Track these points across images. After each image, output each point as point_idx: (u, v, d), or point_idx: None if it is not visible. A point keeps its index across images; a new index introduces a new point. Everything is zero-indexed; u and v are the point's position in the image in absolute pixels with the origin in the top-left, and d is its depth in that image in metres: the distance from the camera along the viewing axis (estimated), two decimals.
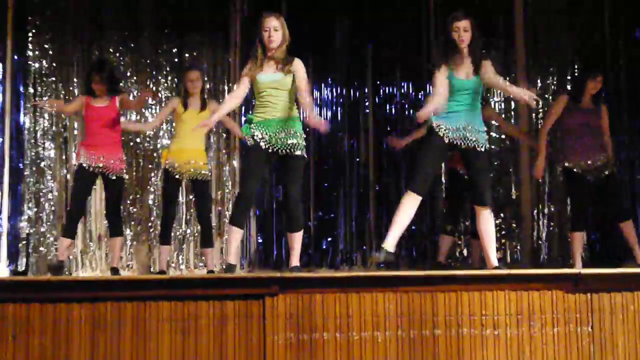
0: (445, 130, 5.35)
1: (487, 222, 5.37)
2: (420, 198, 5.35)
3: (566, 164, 6.54)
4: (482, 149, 5.37)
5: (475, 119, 5.41)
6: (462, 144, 5.36)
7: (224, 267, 5.51)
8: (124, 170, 6.57)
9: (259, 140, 5.36)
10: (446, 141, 5.36)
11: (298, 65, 5.43)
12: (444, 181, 7.79)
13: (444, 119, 5.37)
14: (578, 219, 6.68)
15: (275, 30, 5.41)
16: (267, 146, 5.37)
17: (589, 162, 6.49)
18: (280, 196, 7.66)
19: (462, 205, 7.28)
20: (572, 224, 6.81)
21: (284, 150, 5.38)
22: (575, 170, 6.51)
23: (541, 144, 6.74)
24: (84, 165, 6.38)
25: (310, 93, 5.65)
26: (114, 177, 6.45)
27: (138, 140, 7.85)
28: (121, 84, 7.22)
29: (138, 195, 7.82)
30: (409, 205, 5.35)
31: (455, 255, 7.94)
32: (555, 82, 8.04)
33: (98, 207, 7.59)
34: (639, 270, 5.68)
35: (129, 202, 7.76)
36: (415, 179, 5.39)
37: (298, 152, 5.39)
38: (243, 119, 7.30)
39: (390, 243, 5.34)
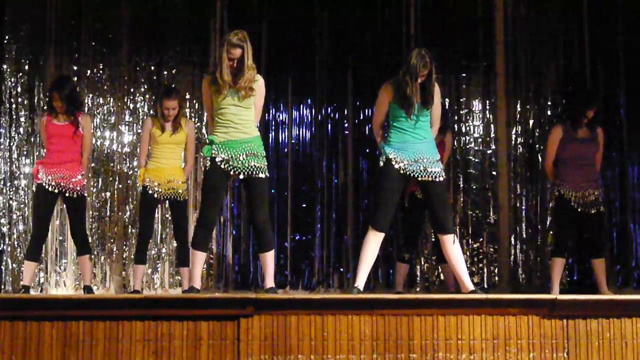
0: (401, 162, 5.39)
1: (452, 247, 5.39)
2: (382, 234, 5.41)
3: (561, 191, 6.62)
4: (440, 179, 5.42)
5: (430, 150, 5.46)
6: (420, 176, 5.40)
7: (188, 290, 5.51)
8: (85, 188, 6.54)
9: (220, 162, 5.39)
10: (402, 173, 5.39)
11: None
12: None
13: (400, 151, 5.41)
14: (560, 245, 6.74)
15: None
16: (228, 168, 5.40)
17: (580, 195, 6.58)
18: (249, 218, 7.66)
19: (420, 232, 7.31)
20: (553, 250, 6.87)
21: (246, 173, 5.40)
22: (567, 198, 6.59)
23: (551, 178, 6.85)
24: (44, 185, 6.35)
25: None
26: (75, 196, 6.42)
27: (115, 159, 7.86)
28: (82, 101, 7.16)
29: (113, 214, 7.81)
30: (372, 243, 5.40)
31: (433, 279, 7.98)
32: (535, 108, 8.11)
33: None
34: (615, 297, 5.75)
35: (104, 220, 7.76)
36: (376, 216, 5.43)
37: (261, 175, 5.42)
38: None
39: (361, 282, 5.41)
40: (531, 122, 8.12)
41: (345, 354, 4.77)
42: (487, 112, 8.26)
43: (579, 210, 6.60)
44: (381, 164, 5.47)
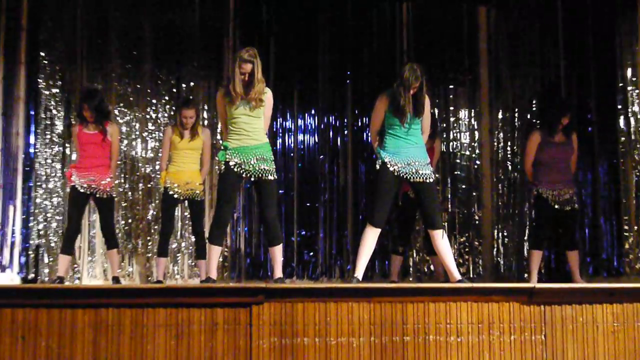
0: (395, 165, 5.40)
1: (441, 241, 5.38)
2: (379, 230, 5.40)
3: (539, 190, 6.63)
4: (430, 180, 5.43)
5: (421, 154, 5.47)
6: (412, 177, 5.40)
7: (205, 280, 5.52)
8: (113, 190, 6.56)
9: (233, 166, 5.40)
10: (396, 175, 5.39)
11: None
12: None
13: (394, 155, 5.42)
14: (538, 238, 6.75)
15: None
16: (240, 171, 5.41)
17: (556, 194, 6.58)
18: (259, 216, 7.66)
19: (413, 227, 7.31)
20: (532, 243, 6.87)
21: (257, 175, 5.41)
22: (544, 197, 6.60)
23: (530, 179, 6.84)
24: (77, 186, 6.37)
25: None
26: (105, 197, 6.44)
27: (139, 163, 7.87)
28: (110, 111, 7.16)
29: (138, 212, 7.83)
30: (370, 238, 5.40)
31: (424, 270, 7.98)
32: (515, 116, 8.11)
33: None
34: (587, 285, 5.76)
35: (129, 218, 7.77)
36: (373, 214, 5.42)
37: (270, 177, 5.43)
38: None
39: (359, 272, 5.41)
40: (512, 129, 8.12)
41: (346, 337, 4.77)
42: (472, 120, 8.27)
43: (555, 207, 6.60)
44: (377, 166, 5.47)
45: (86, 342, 4.68)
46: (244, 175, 5.43)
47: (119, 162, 7.52)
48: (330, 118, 8.21)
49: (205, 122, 7.88)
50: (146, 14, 8.03)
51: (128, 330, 4.71)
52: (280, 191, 7.82)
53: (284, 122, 8.15)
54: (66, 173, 6.89)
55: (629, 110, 7.29)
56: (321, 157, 8.14)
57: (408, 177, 5.39)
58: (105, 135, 6.44)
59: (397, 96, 5.36)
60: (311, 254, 7.99)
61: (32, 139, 7.66)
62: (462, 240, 8.07)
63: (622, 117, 7.36)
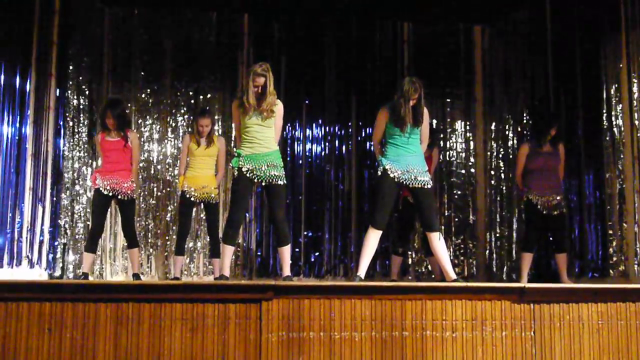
0: (396, 172, 5.38)
1: (438, 243, 5.36)
2: (380, 232, 5.38)
3: (529, 197, 6.60)
4: (428, 186, 5.40)
5: (420, 162, 5.45)
6: (411, 184, 5.38)
7: (219, 277, 5.50)
8: (134, 192, 6.55)
9: (245, 172, 5.39)
10: (397, 181, 5.38)
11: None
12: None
13: (395, 162, 5.40)
14: (528, 241, 6.72)
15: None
16: (252, 177, 5.39)
17: (545, 200, 6.56)
18: (269, 218, 7.66)
19: (412, 230, 7.29)
20: (522, 246, 6.84)
21: (267, 180, 5.39)
22: (534, 202, 6.57)
23: (520, 186, 6.82)
24: (101, 189, 6.36)
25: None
26: (126, 199, 6.42)
27: (159, 168, 7.87)
28: (130, 120, 7.14)
29: (157, 214, 7.82)
30: (372, 239, 5.38)
31: (422, 270, 7.96)
32: (508, 128, 8.09)
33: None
34: (574, 285, 5.73)
35: (150, 219, 7.77)
36: (374, 217, 5.40)
37: (280, 182, 5.40)
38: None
39: (362, 271, 5.39)
40: (504, 139, 8.09)
41: (349, 331, 4.75)
42: (468, 131, 8.26)
43: (544, 212, 6.58)
44: (379, 173, 5.45)
45: (108, 334, 4.66)
46: (255, 180, 5.41)
47: (140, 167, 7.53)
48: (336, 128, 8.21)
49: (220, 131, 7.88)
50: (167, 32, 8.06)
51: (147, 324, 4.68)
52: (289, 195, 7.81)
53: (294, 132, 8.15)
54: (91, 177, 6.88)
55: (613, 123, 7.25)
56: (327, 164, 8.13)
57: (407, 183, 5.37)
58: (126, 141, 6.43)
59: (397, 107, 5.34)
60: (317, 254, 7.98)
61: (60, 145, 7.66)
62: (457, 242, 8.05)
63: (606, 130, 7.32)
